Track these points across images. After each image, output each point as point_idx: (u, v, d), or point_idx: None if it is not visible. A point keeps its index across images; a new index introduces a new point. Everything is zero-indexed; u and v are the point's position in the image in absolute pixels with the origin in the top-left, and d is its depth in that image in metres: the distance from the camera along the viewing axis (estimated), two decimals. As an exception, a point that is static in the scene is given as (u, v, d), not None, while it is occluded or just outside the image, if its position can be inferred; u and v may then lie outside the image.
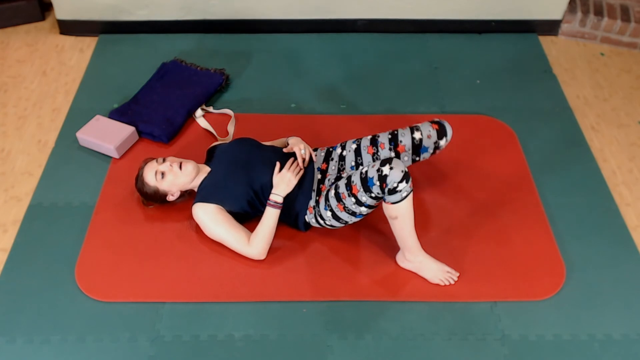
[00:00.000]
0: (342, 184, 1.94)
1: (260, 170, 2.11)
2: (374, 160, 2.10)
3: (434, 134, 2.06)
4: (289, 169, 2.08)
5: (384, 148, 2.09)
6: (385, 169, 1.79)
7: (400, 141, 2.08)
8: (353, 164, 2.14)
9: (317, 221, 2.07)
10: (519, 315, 1.97)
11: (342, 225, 2.05)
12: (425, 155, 2.10)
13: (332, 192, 1.97)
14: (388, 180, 1.79)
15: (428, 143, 2.07)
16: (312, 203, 2.09)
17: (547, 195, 2.35)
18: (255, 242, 2.05)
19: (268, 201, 2.06)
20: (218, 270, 2.07)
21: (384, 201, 1.87)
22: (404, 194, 1.82)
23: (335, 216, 1.99)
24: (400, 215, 1.87)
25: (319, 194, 2.11)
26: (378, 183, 1.80)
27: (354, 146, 2.15)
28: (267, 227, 2.05)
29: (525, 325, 1.95)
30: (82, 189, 2.34)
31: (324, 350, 1.88)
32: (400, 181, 1.79)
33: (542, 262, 2.11)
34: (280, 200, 2.05)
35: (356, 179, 1.88)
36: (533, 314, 1.98)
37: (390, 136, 2.09)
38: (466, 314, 1.97)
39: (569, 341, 1.91)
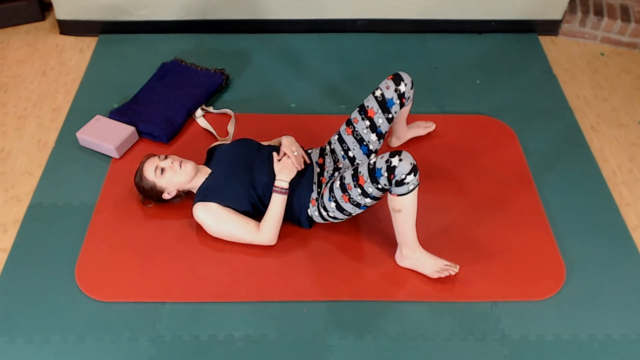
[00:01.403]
0: (348, 174, 1.94)
1: (261, 170, 2.11)
2: (356, 140, 2.14)
3: (390, 83, 2.09)
4: (288, 156, 2.11)
5: (358, 122, 2.13)
6: (394, 160, 1.79)
7: (367, 106, 2.11)
8: (342, 153, 2.18)
9: (320, 214, 2.08)
10: (519, 315, 1.97)
11: (346, 217, 2.05)
12: (395, 109, 2.11)
13: (338, 183, 1.98)
14: (396, 171, 1.79)
15: (390, 94, 2.09)
16: (314, 195, 2.09)
17: (547, 195, 2.35)
18: (265, 229, 2.06)
19: (274, 187, 2.07)
20: (218, 270, 2.07)
21: (390, 193, 1.87)
22: (411, 187, 1.82)
23: (339, 207, 1.99)
24: (405, 208, 1.87)
25: (320, 186, 2.12)
26: (386, 174, 1.81)
27: (336, 136, 2.21)
28: (275, 214, 2.06)
29: (525, 325, 1.95)
30: (82, 189, 2.34)
31: (324, 350, 1.88)
32: (409, 173, 1.79)
33: (542, 262, 2.11)
34: (285, 185, 2.06)
35: (363, 170, 1.88)
36: (533, 314, 1.98)
37: (358, 109, 2.14)
38: (466, 314, 1.97)
39: (569, 341, 1.91)
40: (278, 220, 2.07)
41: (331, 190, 2.00)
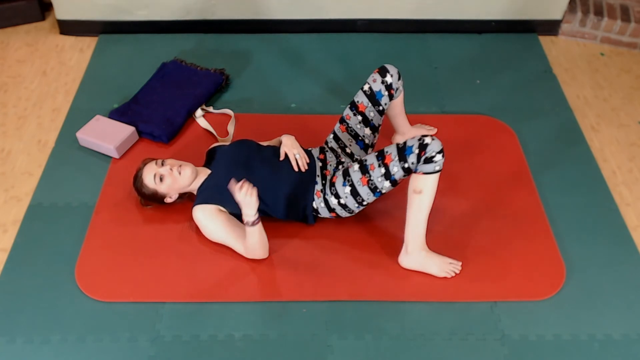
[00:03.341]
0: (370, 157, 1.99)
1: (261, 169, 2.11)
2: (351, 136, 2.22)
3: (377, 76, 2.16)
4: (239, 192, 1.89)
5: (350, 118, 2.21)
6: (427, 139, 1.86)
7: (357, 101, 2.19)
8: (340, 150, 2.25)
9: (326, 205, 2.08)
10: (519, 315, 1.97)
11: (355, 207, 2.05)
12: (385, 101, 2.18)
13: (356, 166, 2.01)
14: (428, 148, 1.85)
15: (377, 87, 2.16)
16: (319, 187, 2.10)
17: (547, 195, 2.35)
18: (250, 252, 2.05)
19: (245, 223, 1.97)
20: (218, 270, 2.07)
21: (415, 172, 1.90)
22: (437, 167, 1.88)
23: (354, 192, 2.00)
24: (425, 191, 1.91)
25: (324, 178, 2.12)
26: (417, 151, 1.86)
27: (332, 135, 2.27)
28: (255, 241, 2.01)
29: (525, 325, 1.95)
30: (82, 189, 2.34)
31: (324, 350, 1.88)
32: (439, 152, 1.85)
33: (542, 262, 2.11)
34: (253, 218, 1.94)
35: (391, 149, 1.93)
36: (533, 314, 1.98)
37: (349, 105, 2.21)
38: (466, 314, 1.97)
39: (569, 341, 1.91)
40: (258, 244, 2.02)
41: (346, 174, 2.02)
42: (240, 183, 1.89)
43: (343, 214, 2.11)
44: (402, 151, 1.90)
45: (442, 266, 2.04)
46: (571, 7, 3.13)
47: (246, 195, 1.88)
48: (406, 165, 1.89)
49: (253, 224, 1.95)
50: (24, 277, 2.05)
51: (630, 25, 3.04)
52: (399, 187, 2.07)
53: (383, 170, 1.93)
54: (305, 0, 3.04)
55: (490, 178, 2.40)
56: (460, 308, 1.99)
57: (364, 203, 2.04)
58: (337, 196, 2.04)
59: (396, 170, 1.91)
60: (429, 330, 1.93)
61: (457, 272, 2.05)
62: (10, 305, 1.98)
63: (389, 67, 2.17)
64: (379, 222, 2.23)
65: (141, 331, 1.91)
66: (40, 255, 2.12)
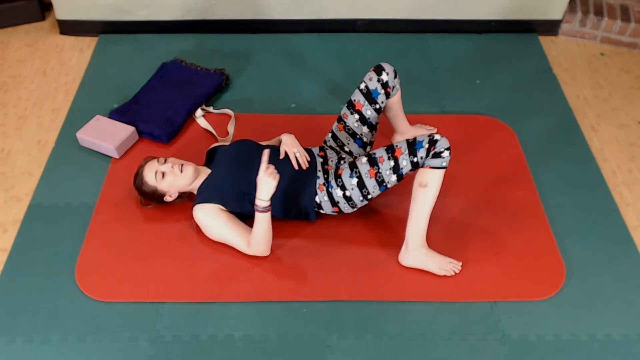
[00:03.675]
0: (379, 150, 2.01)
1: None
2: (348, 134, 2.24)
3: (373, 75, 2.18)
4: (265, 171, 1.96)
5: (347, 117, 2.23)
6: (437, 136, 1.91)
7: (354, 100, 2.21)
8: (338, 148, 2.27)
9: (329, 198, 2.08)
10: (519, 315, 1.97)
11: (359, 201, 2.05)
12: (381, 99, 2.19)
13: (364, 159, 2.02)
14: (437, 144, 1.90)
15: (373, 85, 2.17)
16: (320, 181, 2.10)
17: (547, 195, 2.35)
18: (254, 246, 2.04)
19: (255, 207, 1.98)
20: (218, 270, 2.07)
21: (422, 166, 1.93)
22: (444, 163, 1.91)
23: (360, 184, 2.01)
24: (430, 185, 1.93)
25: (326, 172, 2.13)
26: (427, 145, 1.90)
27: (330, 134, 2.29)
28: (261, 232, 2.01)
29: (525, 325, 1.95)
30: (82, 189, 2.34)
31: (324, 350, 1.88)
32: (447, 148, 1.90)
33: (542, 262, 2.11)
34: (265, 204, 1.97)
35: (401, 144, 1.96)
36: (533, 314, 1.98)
37: (347, 104, 2.23)
38: (466, 314, 1.97)
39: (569, 341, 1.91)
40: (264, 236, 2.02)
41: (354, 166, 2.03)
42: (270, 165, 1.95)
43: (346, 208, 2.11)
44: (412, 145, 1.93)
45: (442, 265, 2.04)
46: (571, 7, 3.13)
47: (269, 177, 1.93)
48: (415, 160, 1.92)
49: (263, 210, 1.97)
50: (24, 277, 2.05)
51: (630, 25, 3.05)
52: (403, 183, 2.08)
53: (392, 163, 1.95)
54: (305, 0, 3.04)
55: (490, 178, 2.40)
56: (460, 308, 1.99)
57: (369, 197, 2.04)
58: (343, 188, 2.05)
59: (405, 164, 1.93)
60: (429, 330, 1.93)
61: (457, 271, 2.06)
62: (10, 305, 1.98)
63: (384, 65, 2.18)
64: (380, 220, 2.23)
65: (141, 331, 1.91)
66: (40, 255, 2.12)
